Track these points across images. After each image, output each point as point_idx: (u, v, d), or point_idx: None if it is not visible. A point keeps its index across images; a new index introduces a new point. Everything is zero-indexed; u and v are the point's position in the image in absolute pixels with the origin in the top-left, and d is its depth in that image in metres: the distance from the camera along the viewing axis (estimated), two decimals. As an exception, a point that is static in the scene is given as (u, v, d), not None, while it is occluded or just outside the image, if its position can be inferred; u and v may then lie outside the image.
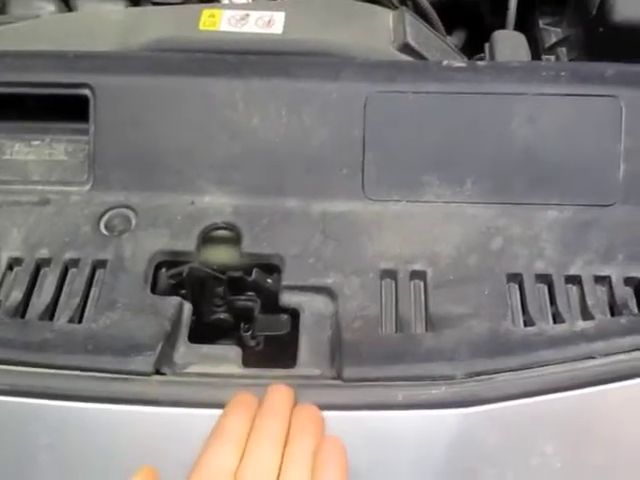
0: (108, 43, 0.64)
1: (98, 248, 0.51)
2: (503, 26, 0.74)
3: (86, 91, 0.55)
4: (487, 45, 0.67)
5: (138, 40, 0.63)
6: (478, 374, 0.44)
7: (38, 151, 0.58)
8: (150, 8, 0.73)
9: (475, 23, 0.81)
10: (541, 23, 0.79)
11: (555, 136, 0.54)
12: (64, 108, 0.57)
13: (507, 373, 0.44)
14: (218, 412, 0.41)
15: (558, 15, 0.77)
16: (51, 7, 0.73)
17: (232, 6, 0.68)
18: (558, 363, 0.44)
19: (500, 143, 0.54)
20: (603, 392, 0.43)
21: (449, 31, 0.79)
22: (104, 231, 0.53)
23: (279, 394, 0.41)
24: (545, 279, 0.50)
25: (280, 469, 0.37)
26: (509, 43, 0.66)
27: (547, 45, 0.77)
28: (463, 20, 0.81)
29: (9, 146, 0.58)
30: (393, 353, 0.45)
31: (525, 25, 0.77)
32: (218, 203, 0.54)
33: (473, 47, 0.77)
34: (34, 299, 0.49)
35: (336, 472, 0.38)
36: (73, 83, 0.55)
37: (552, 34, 0.78)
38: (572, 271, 0.50)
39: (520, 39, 0.67)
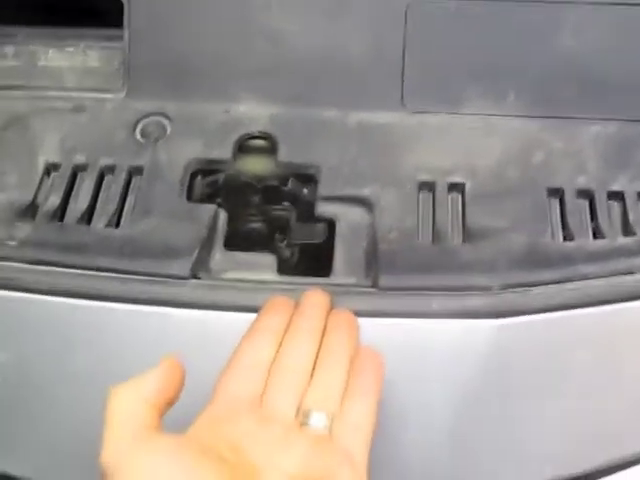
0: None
1: (134, 155, 0.51)
2: None
3: (120, -5, 0.54)
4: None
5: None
6: (515, 286, 0.43)
7: (72, 58, 0.57)
8: None
9: None
10: None
11: (603, 48, 0.52)
12: (98, 13, 0.56)
13: (545, 285, 0.43)
14: (253, 316, 0.41)
15: None
16: None
17: None
18: (597, 277, 0.44)
19: (545, 54, 0.52)
20: (642, 307, 0.43)
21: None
22: (139, 138, 0.52)
23: (316, 297, 0.41)
24: (587, 194, 0.49)
25: (315, 365, 0.38)
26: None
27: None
28: None
29: (43, 52, 0.58)
30: (429, 263, 0.45)
31: None
32: (254, 112, 0.53)
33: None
34: (71, 204, 0.50)
35: (372, 378, 0.38)
36: (107, -14, 0.54)
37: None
38: (615, 187, 0.49)
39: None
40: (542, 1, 0.52)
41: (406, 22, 0.53)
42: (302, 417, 0.36)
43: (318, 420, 0.36)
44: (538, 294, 0.43)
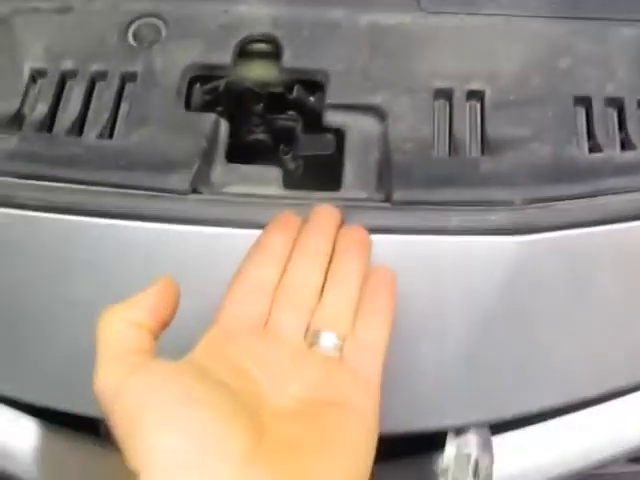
0: None
1: (127, 60, 0.47)
2: None
3: None
4: None
5: None
6: (539, 200, 0.40)
7: (56, -49, 0.52)
8: None
9: None
10: None
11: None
12: None
13: (570, 200, 0.41)
14: (258, 232, 0.38)
15: None
16: None
17: None
18: (626, 192, 0.41)
19: (575, -53, 0.48)
20: (673, 223, 0.40)
21: None
22: (132, 42, 0.48)
23: (325, 213, 0.38)
24: (615, 103, 0.45)
25: (324, 288, 0.35)
26: None
27: None
28: None
29: (23, -55, 0.53)
30: (447, 176, 0.42)
31: None
32: (255, 12, 0.49)
33: None
34: (60, 113, 0.46)
35: (384, 297, 0.36)
36: None
37: None
38: (646, 95, 0.45)
39: None
40: None
41: None
42: (311, 337, 0.34)
43: (328, 340, 0.34)
44: (563, 209, 0.40)
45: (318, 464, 0.29)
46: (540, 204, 0.40)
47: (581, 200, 0.41)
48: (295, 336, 0.34)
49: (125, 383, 0.29)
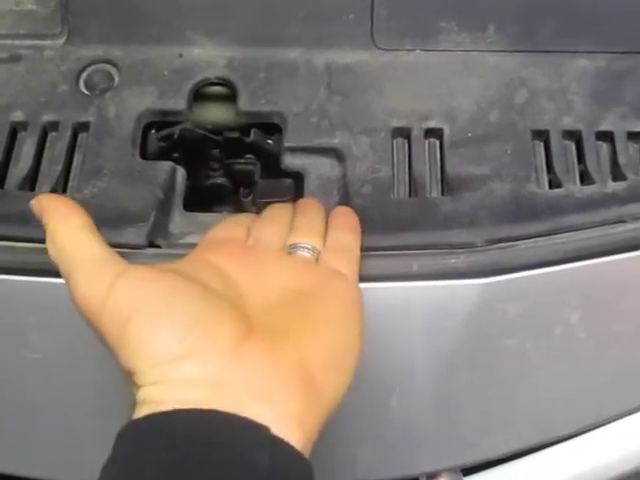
0: None
1: (79, 109, 0.46)
2: None
3: None
4: None
5: None
6: (500, 241, 0.40)
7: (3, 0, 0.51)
8: None
9: None
10: None
11: (590, -28, 0.48)
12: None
13: (531, 239, 0.40)
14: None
15: None
16: None
17: None
18: (587, 228, 0.41)
19: (528, -19, 0.48)
20: (635, 259, 0.40)
21: None
22: (84, 90, 0.47)
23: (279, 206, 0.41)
24: (573, 135, 0.45)
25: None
26: None
27: None
28: None
29: (-31, -6, 0.51)
30: (407, 219, 0.41)
31: None
32: (209, 55, 0.48)
33: None
34: (12, 167, 0.45)
35: (350, 219, 0.39)
36: None
37: None
38: (603, 126, 0.45)
39: None
40: None
41: (374, -52, 0.47)
42: (289, 249, 0.37)
43: (305, 249, 0.36)
44: (524, 249, 0.40)
45: (307, 343, 0.31)
46: (501, 244, 0.40)
47: (542, 238, 0.40)
48: (275, 246, 0.36)
49: (110, 289, 0.30)
